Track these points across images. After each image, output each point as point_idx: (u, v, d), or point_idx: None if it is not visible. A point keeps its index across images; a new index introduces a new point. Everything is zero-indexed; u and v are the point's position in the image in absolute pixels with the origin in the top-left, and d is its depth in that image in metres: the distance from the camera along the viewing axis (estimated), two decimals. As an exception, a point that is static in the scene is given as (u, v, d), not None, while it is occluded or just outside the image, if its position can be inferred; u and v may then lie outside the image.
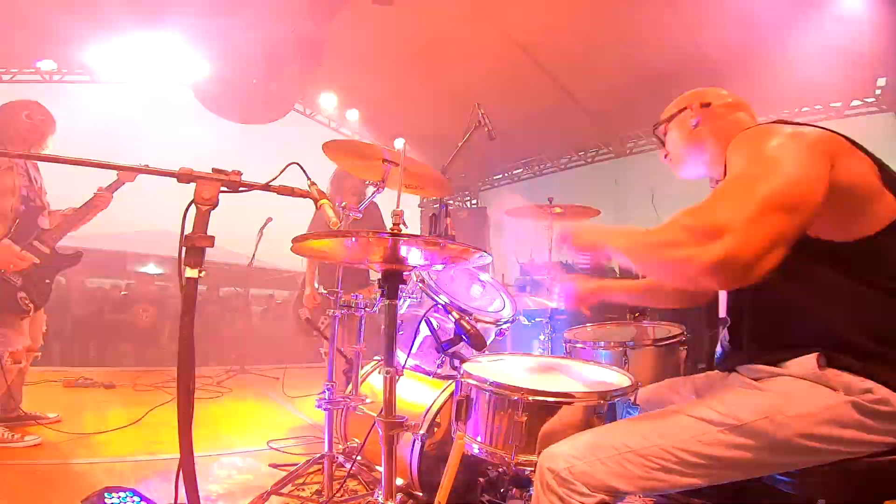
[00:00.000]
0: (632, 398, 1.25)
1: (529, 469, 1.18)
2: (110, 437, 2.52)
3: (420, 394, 1.86)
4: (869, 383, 0.91)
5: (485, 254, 1.16)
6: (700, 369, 1.43)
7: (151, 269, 8.18)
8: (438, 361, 1.81)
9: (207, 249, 1.05)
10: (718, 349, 1.26)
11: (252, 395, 4.12)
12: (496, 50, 5.25)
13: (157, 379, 4.05)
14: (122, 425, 2.59)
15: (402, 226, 1.16)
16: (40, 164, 2.65)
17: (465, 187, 9.02)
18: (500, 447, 1.22)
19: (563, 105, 6.22)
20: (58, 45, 5.41)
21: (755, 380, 1.05)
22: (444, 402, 1.74)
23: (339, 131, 7.44)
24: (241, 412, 3.53)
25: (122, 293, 7.30)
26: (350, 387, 2.05)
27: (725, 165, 1.05)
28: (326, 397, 1.95)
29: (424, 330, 1.72)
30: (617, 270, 4.94)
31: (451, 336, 1.58)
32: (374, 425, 1.23)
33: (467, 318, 1.63)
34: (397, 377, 1.21)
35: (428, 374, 1.95)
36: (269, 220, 4.95)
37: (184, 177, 1.04)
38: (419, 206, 8.69)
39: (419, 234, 1.72)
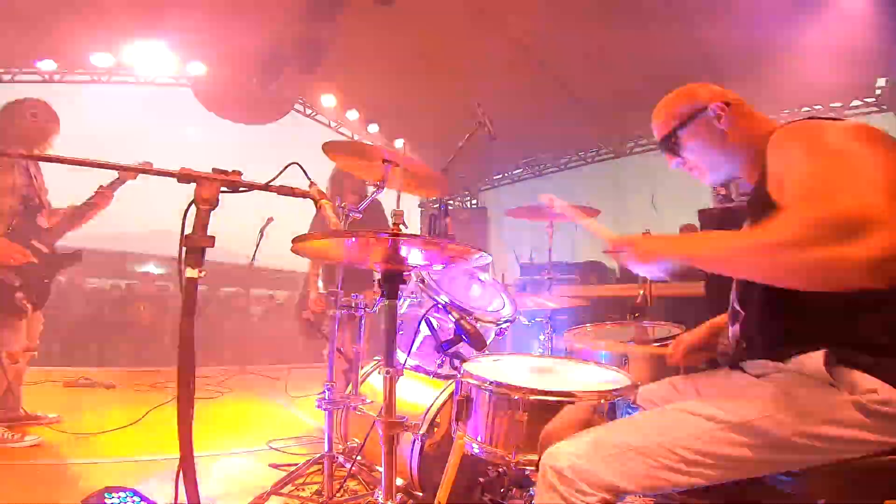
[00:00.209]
0: (632, 398, 1.25)
1: (530, 469, 1.18)
2: (110, 437, 2.52)
3: (420, 394, 1.86)
4: (876, 382, 0.90)
5: (485, 254, 1.16)
6: (700, 369, 1.42)
7: (151, 269, 8.18)
8: (438, 361, 1.81)
9: (207, 249, 1.05)
10: (731, 342, 1.23)
11: (252, 395, 4.12)
12: (496, 50, 5.25)
13: (157, 379, 4.05)
14: (122, 425, 2.59)
15: (402, 226, 1.16)
16: (42, 163, 2.65)
17: (465, 187, 9.02)
18: (500, 447, 1.22)
19: (564, 105, 6.22)
20: (58, 45, 5.41)
21: (758, 376, 1.05)
22: (444, 402, 1.74)
23: (339, 131, 7.44)
24: (241, 412, 3.53)
25: (123, 288, 7.29)
26: (350, 387, 2.05)
27: (764, 165, 1.02)
28: (326, 397, 1.95)
29: (424, 330, 1.72)
30: (617, 271, 4.94)
31: (451, 336, 1.58)
32: (373, 425, 1.23)
33: (467, 318, 1.63)
34: (397, 377, 1.21)
35: (428, 374, 1.95)
36: (270, 220, 4.94)
37: (184, 177, 1.04)
38: (419, 206, 8.69)
39: (419, 234, 1.72)
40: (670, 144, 1.26)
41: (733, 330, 1.20)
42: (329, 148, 1.87)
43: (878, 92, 5.25)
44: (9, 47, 5.30)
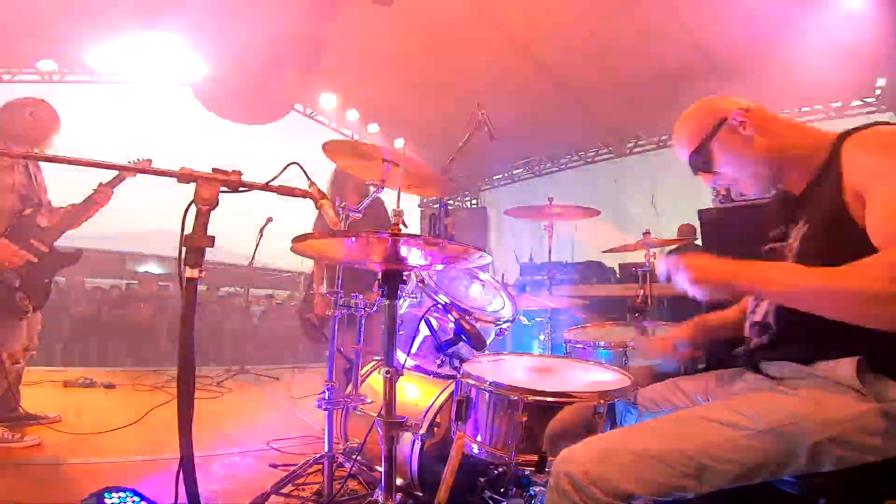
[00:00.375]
0: (631, 398, 1.25)
1: (529, 469, 1.18)
2: (110, 437, 2.51)
3: (420, 394, 1.86)
4: None
5: (485, 254, 1.16)
6: (700, 369, 1.41)
7: (151, 269, 8.19)
8: (438, 361, 1.81)
9: (207, 249, 1.05)
10: (751, 334, 1.19)
11: (252, 395, 4.12)
12: (496, 50, 5.25)
13: (157, 379, 4.05)
14: (122, 425, 2.58)
15: (401, 226, 1.16)
16: (42, 162, 2.65)
17: (465, 187, 9.02)
18: (499, 447, 1.22)
19: (564, 105, 6.22)
20: (58, 45, 5.41)
21: (777, 378, 1.03)
22: (444, 402, 1.74)
23: (339, 131, 7.44)
24: (241, 412, 3.52)
25: (123, 288, 7.29)
26: (350, 387, 2.05)
27: (819, 173, 1.00)
28: (326, 397, 1.94)
29: (424, 330, 1.72)
30: (617, 271, 4.94)
31: (451, 336, 1.58)
32: (373, 425, 1.22)
33: (467, 318, 1.63)
34: (397, 377, 1.21)
35: (428, 374, 1.94)
36: (270, 220, 4.94)
37: (184, 177, 1.04)
38: (419, 206, 8.69)
39: (419, 234, 1.72)
40: (701, 161, 1.20)
41: (754, 329, 1.17)
42: (329, 148, 1.87)
43: (878, 92, 5.25)
44: (9, 47, 5.30)
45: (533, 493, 1.35)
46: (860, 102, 5.45)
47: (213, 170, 1.07)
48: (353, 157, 1.97)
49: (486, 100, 2.34)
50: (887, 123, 1.02)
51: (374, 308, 2.02)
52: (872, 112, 5.37)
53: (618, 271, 4.97)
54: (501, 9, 4.84)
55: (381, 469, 1.19)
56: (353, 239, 1.13)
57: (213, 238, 1.05)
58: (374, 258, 1.25)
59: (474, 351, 1.59)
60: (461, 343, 1.57)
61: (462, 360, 1.55)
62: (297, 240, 1.08)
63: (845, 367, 0.94)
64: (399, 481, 1.68)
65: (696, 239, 3.68)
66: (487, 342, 1.81)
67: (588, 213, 3.05)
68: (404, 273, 1.23)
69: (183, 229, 1.03)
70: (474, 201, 9.16)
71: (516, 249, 5.23)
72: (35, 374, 3.53)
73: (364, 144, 1.99)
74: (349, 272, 2.08)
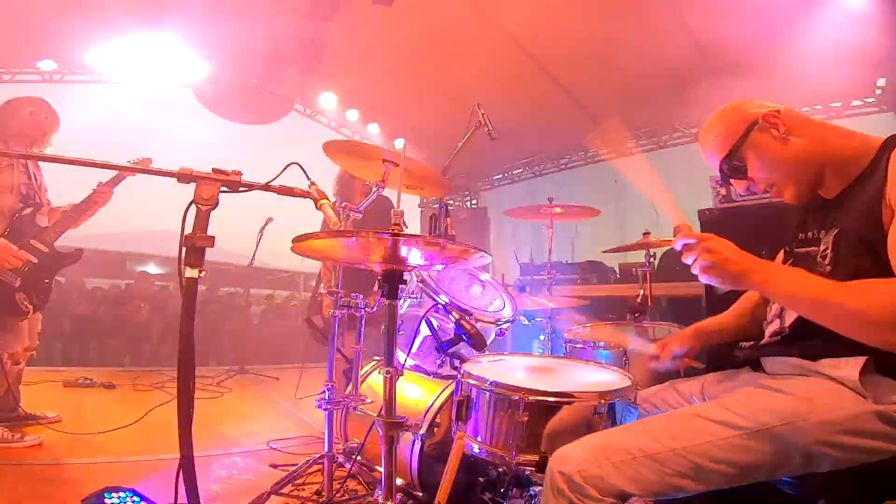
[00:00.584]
0: (631, 398, 1.25)
1: (529, 469, 1.18)
2: (110, 437, 2.51)
3: (420, 394, 1.86)
4: None
5: (485, 254, 1.16)
6: (701, 370, 1.41)
7: (151, 269, 8.19)
8: (438, 361, 1.81)
9: (207, 249, 1.05)
10: (771, 329, 1.17)
11: (252, 395, 4.12)
12: (496, 50, 5.25)
13: (157, 379, 4.05)
14: (122, 425, 2.59)
15: (401, 226, 1.16)
16: (41, 162, 2.65)
17: (465, 187, 9.02)
18: (500, 447, 1.22)
19: (563, 105, 6.22)
20: (58, 45, 5.41)
21: (777, 376, 1.02)
22: (444, 402, 1.74)
23: (339, 131, 7.44)
24: (241, 412, 3.52)
25: (123, 288, 7.30)
26: (350, 387, 2.05)
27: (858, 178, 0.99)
28: (326, 397, 1.95)
29: (424, 330, 1.72)
30: (617, 271, 4.94)
31: (451, 336, 1.58)
32: (373, 425, 1.22)
33: (467, 318, 1.63)
34: (397, 377, 1.21)
35: (428, 374, 1.95)
36: (270, 220, 4.95)
37: (184, 177, 1.04)
38: (419, 206, 8.69)
39: (419, 234, 1.71)
40: (734, 166, 1.14)
41: (775, 324, 1.16)
42: (329, 148, 1.87)
43: (878, 92, 5.24)
44: (9, 47, 5.30)
45: (533, 492, 1.35)
46: (860, 102, 5.44)
47: (213, 170, 1.07)
48: (353, 157, 1.97)
49: (486, 100, 2.34)
50: None
51: (374, 308, 2.02)
52: (873, 112, 5.36)
53: (618, 271, 4.97)
54: (501, 9, 4.84)
55: (381, 469, 1.19)
56: (353, 239, 1.13)
57: (213, 238, 1.05)
58: (374, 258, 1.25)
59: (474, 351, 1.59)
60: (461, 343, 1.57)
61: (462, 360, 1.55)
62: (297, 240, 1.08)
63: (850, 367, 0.93)
64: (399, 481, 1.68)
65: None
66: (488, 342, 1.81)
67: (588, 213, 3.05)
68: (404, 273, 1.23)
69: (183, 229, 1.03)
70: (474, 201, 9.16)
71: (516, 249, 5.23)
72: (35, 374, 3.53)
73: (364, 144, 1.99)
74: (354, 274, 2.08)
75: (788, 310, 1.11)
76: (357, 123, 7.26)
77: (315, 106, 7.20)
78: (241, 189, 1.09)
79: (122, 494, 1.40)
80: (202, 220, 1.05)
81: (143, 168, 1.13)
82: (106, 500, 1.37)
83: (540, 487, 1.38)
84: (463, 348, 1.65)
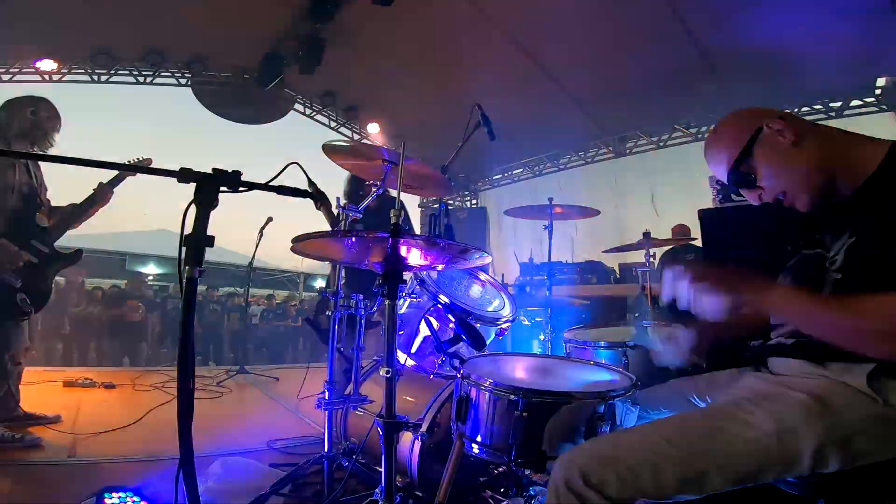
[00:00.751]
0: (631, 398, 1.25)
1: (529, 469, 1.18)
2: (110, 437, 2.51)
3: (420, 394, 1.86)
4: None
5: (485, 254, 1.16)
6: (701, 370, 1.41)
7: (151, 269, 8.19)
8: (438, 361, 1.81)
9: (207, 249, 1.05)
10: (779, 329, 1.15)
11: (252, 395, 4.12)
12: (496, 50, 5.25)
13: (157, 379, 4.05)
14: (122, 425, 2.58)
15: (403, 216, 1.15)
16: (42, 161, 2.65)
17: (465, 187, 9.02)
18: (500, 447, 1.22)
19: (564, 105, 6.22)
20: (58, 45, 5.41)
21: (784, 377, 1.02)
22: (444, 402, 1.74)
23: (339, 131, 7.44)
24: (241, 412, 3.52)
25: (123, 288, 7.30)
26: (350, 387, 2.05)
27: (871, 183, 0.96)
28: (326, 397, 1.94)
29: (424, 330, 1.72)
30: (616, 271, 4.94)
31: (451, 336, 1.58)
32: (373, 425, 1.22)
33: (467, 318, 1.63)
34: (397, 377, 1.21)
35: (428, 374, 1.95)
36: (270, 220, 4.95)
37: (184, 177, 1.04)
38: (419, 206, 8.70)
39: (419, 234, 1.72)
40: (743, 176, 1.11)
41: (780, 326, 1.14)
42: (329, 148, 1.87)
43: (878, 92, 5.24)
44: (9, 47, 5.30)
45: (533, 492, 1.35)
46: (860, 102, 5.45)
47: (213, 170, 1.07)
48: (353, 157, 1.97)
49: (486, 100, 2.35)
50: None
51: (374, 308, 2.02)
52: (872, 112, 5.36)
53: (618, 271, 4.98)
54: (501, 9, 4.84)
55: (381, 469, 1.19)
56: (353, 239, 1.13)
57: (213, 238, 1.05)
58: (374, 258, 1.25)
59: (474, 351, 1.59)
60: (461, 343, 1.57)
61: (462, 360, 1.55)
62: (297, 240, 1.08)
63: (858, 371, 0.93)
64: (399, 481, 1.68)
65: (694, 239, 3.68)
66: (487, 342, 1.81)
67: (588, 213, 3.06)
68: (404, 273, 1.23)
69: (183, 229, 1.03)
70: (474, 201, 9.16)
71: (516, 249, 5.24)
72: (35, 374, 3.53)
73: (364, 144, 1.99)
74: (359, 273, 2.07)
75: None
76: (357, 123, 7.27)
77: (315, 106, 7.21)
78: (241, 189, 1.09)
79: (122, 494, 1.40)
80: (202, 220, 1.04)
81: (143, 168, 1.13)
82: (106, 500, 1.38)
83: (540, 487, 1.38)
84: (463, 348, 1.65)
